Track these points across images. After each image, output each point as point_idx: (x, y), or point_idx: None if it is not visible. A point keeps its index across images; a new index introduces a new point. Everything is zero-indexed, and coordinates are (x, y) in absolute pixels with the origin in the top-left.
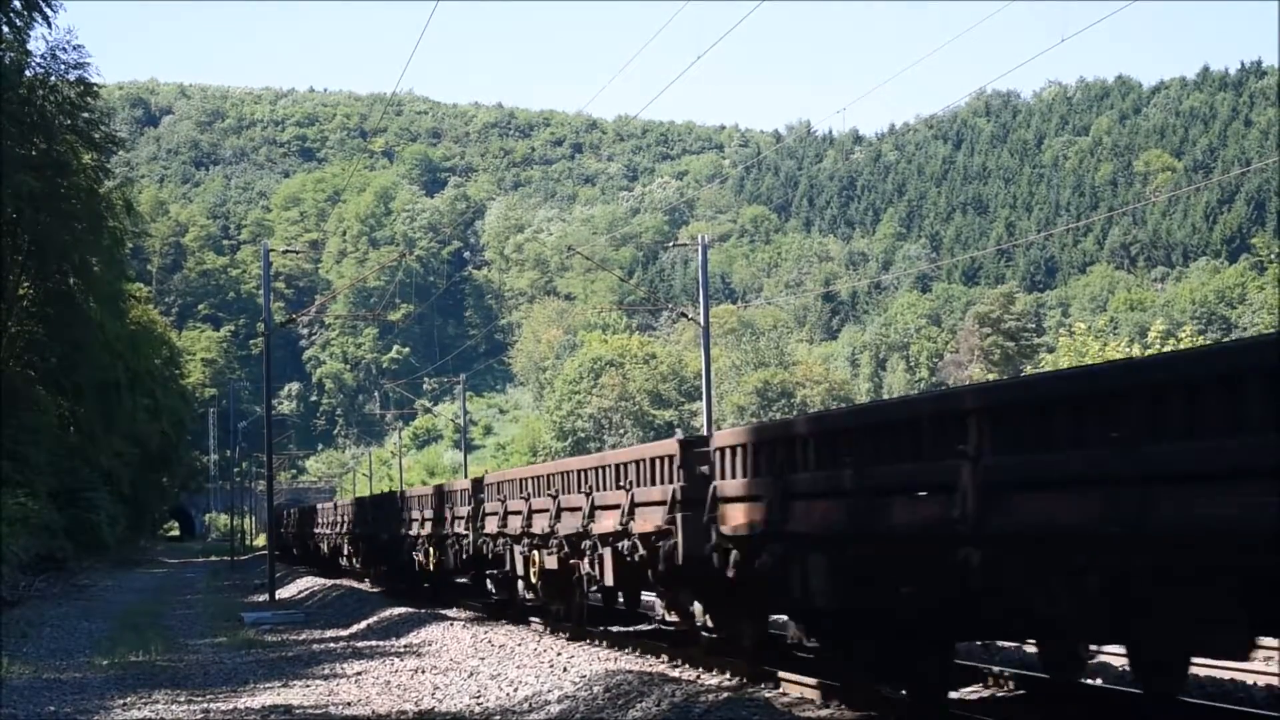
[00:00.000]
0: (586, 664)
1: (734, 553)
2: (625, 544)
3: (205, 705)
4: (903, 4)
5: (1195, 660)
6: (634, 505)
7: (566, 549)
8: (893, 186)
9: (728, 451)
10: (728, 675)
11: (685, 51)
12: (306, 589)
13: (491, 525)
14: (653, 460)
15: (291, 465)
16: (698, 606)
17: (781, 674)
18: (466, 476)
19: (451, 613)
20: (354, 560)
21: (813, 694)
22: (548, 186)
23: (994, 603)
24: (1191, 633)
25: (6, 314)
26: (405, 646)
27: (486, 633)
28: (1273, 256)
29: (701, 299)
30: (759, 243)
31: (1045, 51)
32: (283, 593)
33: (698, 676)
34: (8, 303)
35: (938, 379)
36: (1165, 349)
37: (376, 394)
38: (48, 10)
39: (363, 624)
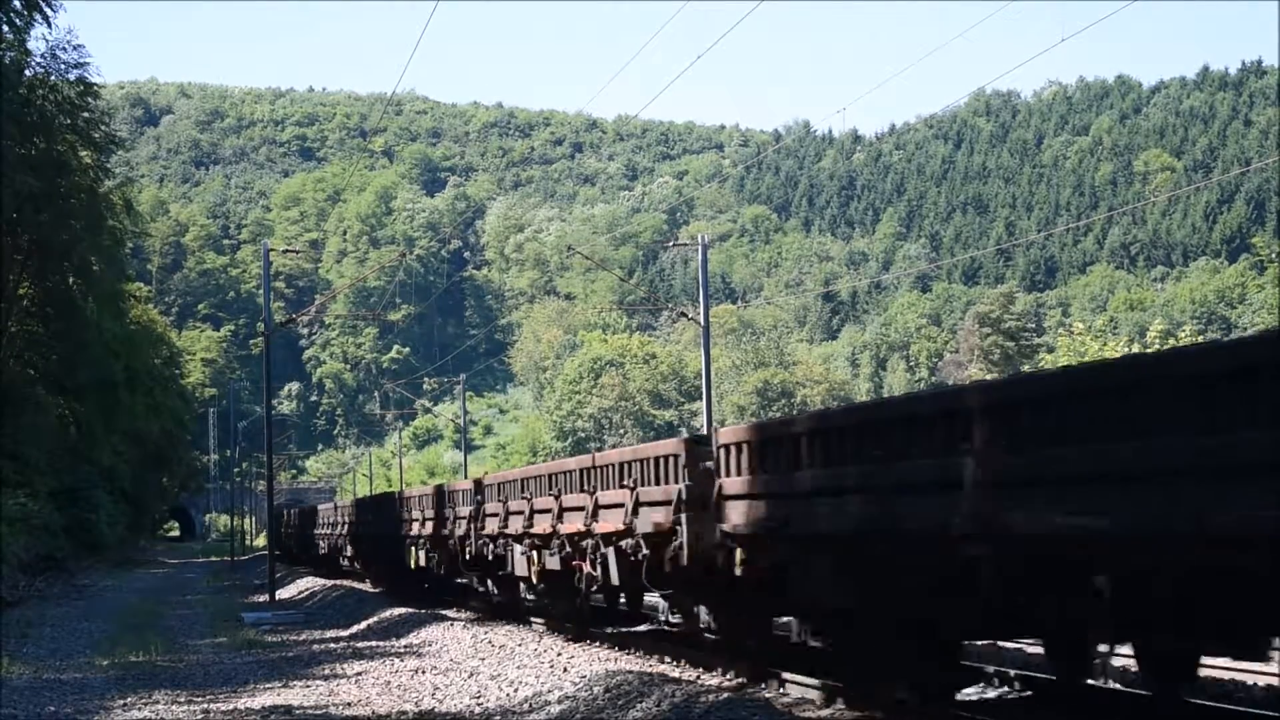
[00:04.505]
0: (587, 664)
1: None
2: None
3: (205, 705)
4: (903, 4)
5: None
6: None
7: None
8: (892, 186)
9: None
10: (728, 676)
11: (685, 51)
12: (306, 589)
13: (745, 514)
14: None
15: (291, 465)
16: None
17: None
18: (466, 477)
19: (451, 613)
20: (355, 562)
21: (813, 694)
22: (548, 186)
23: None
24: None
25: (6, 314)
26: (405, 647)
27: (486, 633)
28: (1273, 256)
29: (701, 299)
30: (759, 243)
31: (1045, 51)
32: (283, 593)
33: (698, 677)
34: (8, 303)
35: (938, 379)
36: (1166, 348)
37: (376, 394)
38: (48, 10)
39: (363, 624)
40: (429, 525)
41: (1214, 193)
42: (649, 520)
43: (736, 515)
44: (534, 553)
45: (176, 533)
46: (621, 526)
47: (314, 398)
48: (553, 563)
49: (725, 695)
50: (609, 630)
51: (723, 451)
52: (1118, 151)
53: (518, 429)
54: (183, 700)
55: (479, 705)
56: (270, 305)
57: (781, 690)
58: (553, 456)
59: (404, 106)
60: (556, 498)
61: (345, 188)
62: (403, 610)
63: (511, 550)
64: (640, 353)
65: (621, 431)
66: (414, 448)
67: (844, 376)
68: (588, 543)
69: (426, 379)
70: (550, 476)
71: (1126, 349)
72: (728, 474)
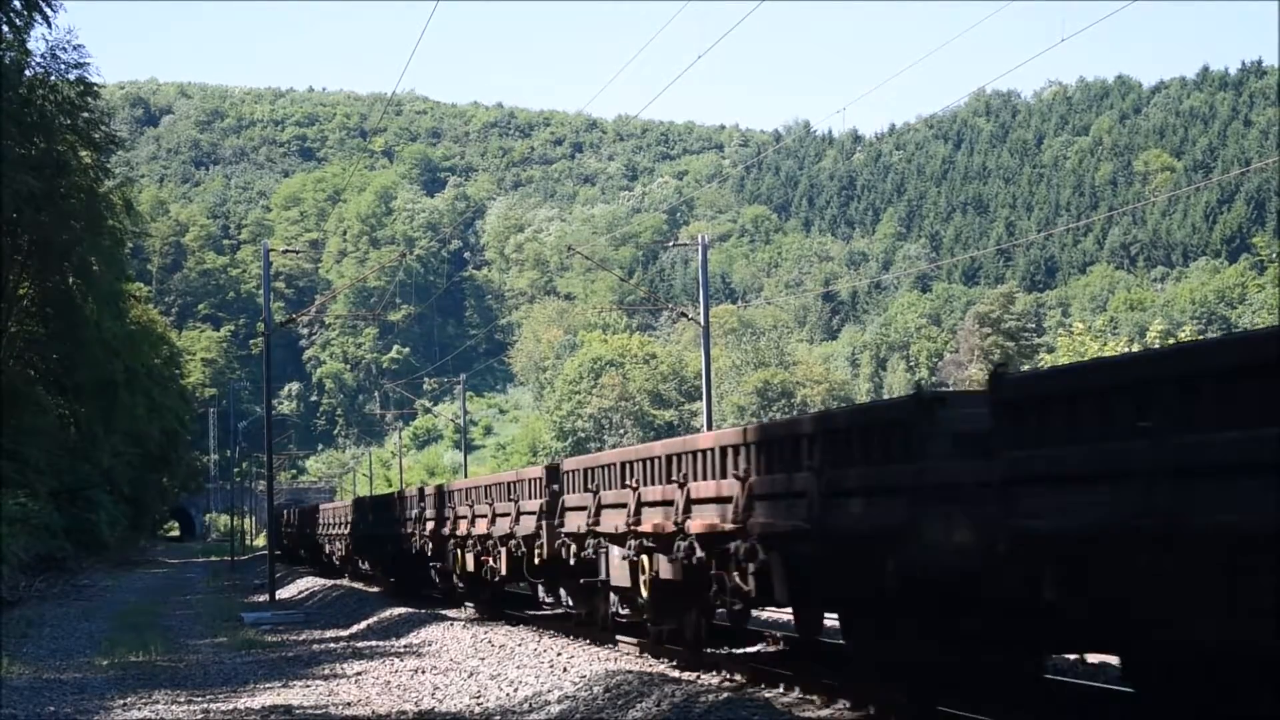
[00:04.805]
0: (586, 664)
1: None
2: None
3: (205, 705)
4: (903, 4)
5: None
6: None
7: None
8: (893, 186)
9: None
10: (728, 675)
11: (685, 51)
12: (306, 589)
13: (1078, 504)
14: None
15: (291, 465)
16: None
17: None
18: (466, 476)
19: (451, 613)
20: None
21: (813, 694)
22: (548, 186)
23: None
24: None
25: (6, 314)
26: (405, 646)
27: (486, 633)
28: (1273, 256)
29: (701, 299)
30: (759, 243)
31: (1045, 51)
32: (283, 593)
33: (698, 677)
34: (8, 303)
35: (938, 379)
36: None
37: (376, 394)
38: (48, 10)
39: (363, 624)
40: (479, 524)
41: (1214, 193)
42: (854, 514)
43: (1048, 507)
44: (643, 557)
45: (176, 533)
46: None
47: (314, 398)
48: (670, 570)
49: (725, 695)
50: (733, 651)
51: (1021, 412)
52: (1118, 151)
53: (518, 429)
54: (183, 700)
55: (479, 705)
56: (270, 305)
57: (780, 690)
58: (553, 456)
59: (404, 106)
60: (681, 485)
61: (345, 188)
62: (403, 610)
63: (606, 553)
64: (640, 353)
65: (621, 431)
66: (414, 448)
67: (844, 376)
68: (735, 545)
69: (426, 379)
70: (670, 459)
71: (1127, 349)
72: (1032, 443)
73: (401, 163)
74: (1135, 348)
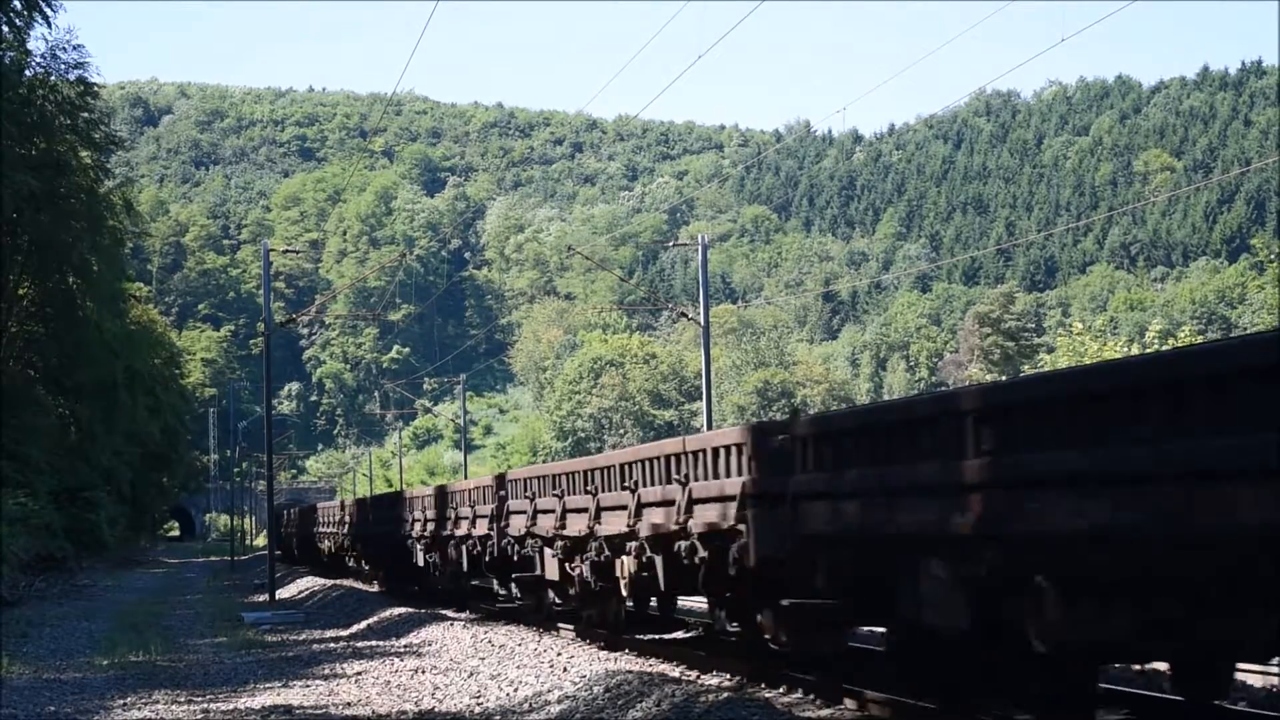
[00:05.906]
0: (587, 664)
1: None
2: None
3: (205, 705)
4: (903, 4)
5: None
6: None
7: None
8: (893, 186)
9: None
10: (728, 675)
11: (685, 51)
12: (306, 589)
13: None
14: None
15: (291, 465)
16: None
17: None
18: (466, 477)
19: (451, 613)
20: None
21: (813, 694)
22: (548, 186)
23: None
24: None
25: (6, 314)
26: (405, 646)
27: (486, 633)
28: (1272, 256)
29: (701, 299)
30: (759, 243)
31: (1045, 51)
32: (283, 593)
33: (698, 677)
34: (8, 303)
35: (938, 379)
36: (1166, 348)
37: (376, 394)
38: (48, 10)
39: (363, 624)
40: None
41: (1214, 193)
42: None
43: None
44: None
45: (176, 533)
46: None
47: (314, 398)
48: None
49: (725, 695)
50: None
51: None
52: (1118, 151)
53: (518, 429)
54: (183, 700)
55: (479, 705)
56: (270, 305)
57: (780, 690)
58: (554, 456)
59: (404, 106)
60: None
61: (345, 188)
62: (403, 610)
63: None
64: (640, 353)
65: (621, 431)
66: (414, 448)
67: (844, 376)
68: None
69: (426, 379)
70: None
71: (1126, 349)
72: None
73: (401, 163)
74: (1135, 348)
